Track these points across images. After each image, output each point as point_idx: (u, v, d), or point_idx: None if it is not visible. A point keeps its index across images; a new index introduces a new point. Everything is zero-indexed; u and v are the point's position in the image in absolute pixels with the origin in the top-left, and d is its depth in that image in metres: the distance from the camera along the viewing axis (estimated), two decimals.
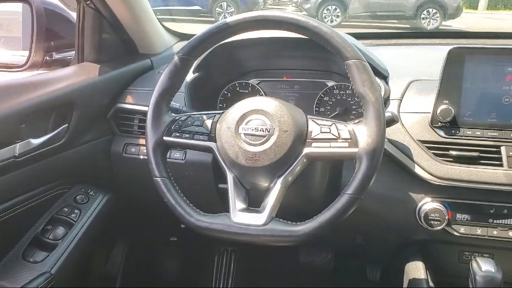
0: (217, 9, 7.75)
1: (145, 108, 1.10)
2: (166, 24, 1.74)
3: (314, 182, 1.23)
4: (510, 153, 1.08)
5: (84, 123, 1.35)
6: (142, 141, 1.38)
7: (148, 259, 1.93)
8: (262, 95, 1.41)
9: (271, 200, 0.95)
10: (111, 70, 1.43)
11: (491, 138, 1.10)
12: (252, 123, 0.97)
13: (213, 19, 7.55)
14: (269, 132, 0.95)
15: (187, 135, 1.02)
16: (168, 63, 1.03)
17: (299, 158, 0.96)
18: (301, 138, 0.96)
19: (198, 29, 1.07)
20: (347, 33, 1.25)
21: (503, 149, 1.09)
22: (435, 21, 7.43)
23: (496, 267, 0.98)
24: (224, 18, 1.03)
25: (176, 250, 1.99)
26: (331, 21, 7.59)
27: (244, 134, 0.96)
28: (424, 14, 7.46)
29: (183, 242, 1.94)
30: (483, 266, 0.98)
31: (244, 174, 0.98)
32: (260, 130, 0.96)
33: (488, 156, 1.10)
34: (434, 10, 7.43)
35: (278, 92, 1.41)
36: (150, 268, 1.93)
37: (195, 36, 1.03)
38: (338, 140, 0.94)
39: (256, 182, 0.99)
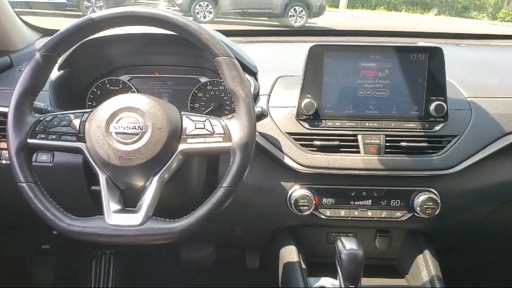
0: (85, 2, 7.34)
1: (5, 109, 1.02)
2: (26, 18, 1.62)
3: (192, 178, 1.25)
4: (366, 141, 1.20)
5: None
6: (3, 145, 1.28)
7: (18, 271, 1.79)
8: (134, 92, 1.38)
9: (147, 199, 0.95)
10: None
11: (349, 128, 1.20)
12: (124, 121, 0.95)
13: (80, 13, 7.14)
14: (142, 130, 0.94)
15: (53, 137, 0.97)
16: (30, 60, 0.97)
17: (175, 155, 0.97)
18: (176, 134, 0.97)
19: (63, 24, 1.02)
20: (217, 30, 1.28)
21: (359, 137, 1.20)
22: (301, 18, 7.83)
23: (358, 244, 1.07)
24: (93, 12, 0.99)
25: (50, 258, 1.87)
26: (204, 17, 7.62)
27: (116, 132, 0.94)
28: (291, 12, 7.81)
29: (56, 249, 1.84)
30: (347, 245, 1.06)
31: (118, 174, 0.96)
32: (133, 128, 0.94)
33: (347, 144, 1.20)
34: (300, 8, 7.83)
35: (151, 88, 1.40)
36: (21, 279, 1.80)
37: (58, 32, 0.98)
38: (213, 136, 0.97)
39: (131, 182, 0.97)
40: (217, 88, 1.38)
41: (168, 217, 0.95)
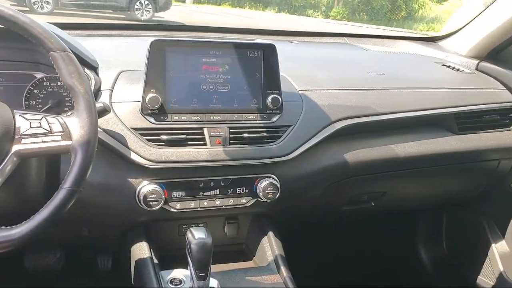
0: None
1: None
2: None
3: (31, 180, 1.16)
4: (211, 133, 1.24)
5: None
6: None
7: None
8: None
9: None
10: None
11: (195, 121, 1.23)
12: None
13: None
14: None
15: None
16: None
17: (8, 157, 0.90)
18: (8, 135, 0.91)
19: None
20: (55, 23, 1.22)
21: (205, 130, 1.24)
22: (148, 12, 7.71)
23: (207, 233, 1.10)
24: None
25: None
26: (41, 8, 7.05)
27: None
28: (137, 5, 7.65)
29: None
30: (196, 235, 1.09)
31: None
32: None
33: (194, 137, 1.23)
34: (147, 2, 7.70)
35: None
36: None
37: None
38: (50, 134, 0.93)
39: None
40: (55, 84, 1.31)
41: (7, 225, 0.89)
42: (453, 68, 1.79)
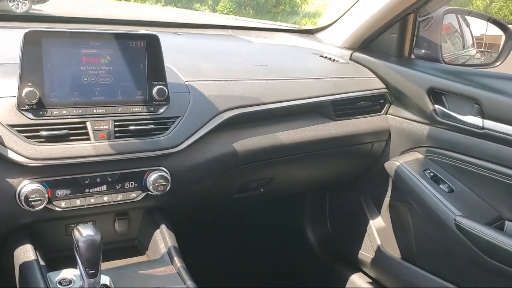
0: None
1: None
2: None
3: None
4: (95, 127, 1.20)
5: None
6: None
7: None
8: None
9: None
10: None
11: (77, 115, 1.19)
12: None
13: None
14: None
15: None
16: None
17: None
18: None
19: None
20: None
21: (88, 124, 1.20)
22: (24, 4, 7.17)
23: (95, 230, 1.07)
24: None
25: None
26: None
27: None
28: None
29: None
30: (84, 232, 1.06)
31: None
32: None
33: (77, 132, 1.19)
34: None
35: None
36: None
37: None
38: None
39: None
40: None
41: None
42: (329, 58, 1.92)
